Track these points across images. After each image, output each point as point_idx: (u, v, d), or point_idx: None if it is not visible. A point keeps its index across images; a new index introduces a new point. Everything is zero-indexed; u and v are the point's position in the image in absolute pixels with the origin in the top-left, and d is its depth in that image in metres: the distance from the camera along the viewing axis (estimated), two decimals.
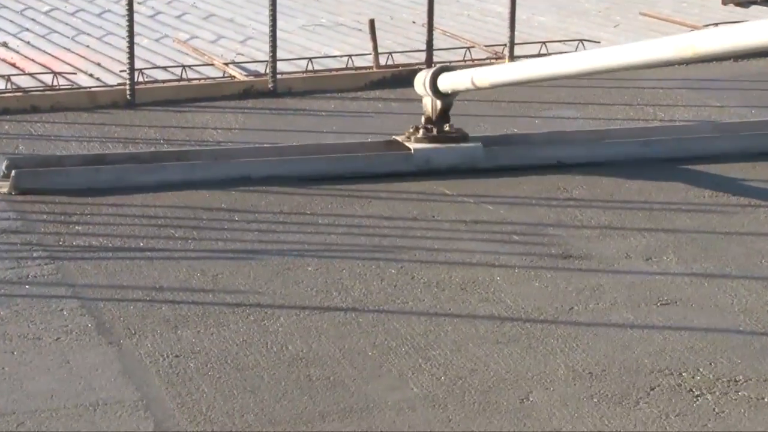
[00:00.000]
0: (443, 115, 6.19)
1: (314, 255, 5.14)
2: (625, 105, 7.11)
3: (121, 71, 7.38)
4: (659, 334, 4.49)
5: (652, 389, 4.09)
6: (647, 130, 6.51)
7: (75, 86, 7.31)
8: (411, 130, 6.20)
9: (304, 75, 7.61)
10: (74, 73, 7.50)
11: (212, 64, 7.74)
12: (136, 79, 7.15)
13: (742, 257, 5.17)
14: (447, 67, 6.20)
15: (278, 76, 7.38)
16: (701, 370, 4.22)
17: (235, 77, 7.53)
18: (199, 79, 7.48)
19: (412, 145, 6.12)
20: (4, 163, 5.90)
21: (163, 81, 7.45)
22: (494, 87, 6.12)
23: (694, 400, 4.03)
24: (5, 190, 5.75)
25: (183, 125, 6.85)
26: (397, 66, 7.74)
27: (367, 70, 7.68)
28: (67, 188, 5.71)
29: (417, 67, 7.65)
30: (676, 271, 5.05)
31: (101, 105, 7.09)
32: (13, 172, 5.76)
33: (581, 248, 5.26)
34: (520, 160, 6.13)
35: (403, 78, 7.48)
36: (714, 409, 3.97)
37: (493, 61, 7.86)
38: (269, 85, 7.36)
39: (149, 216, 5.53)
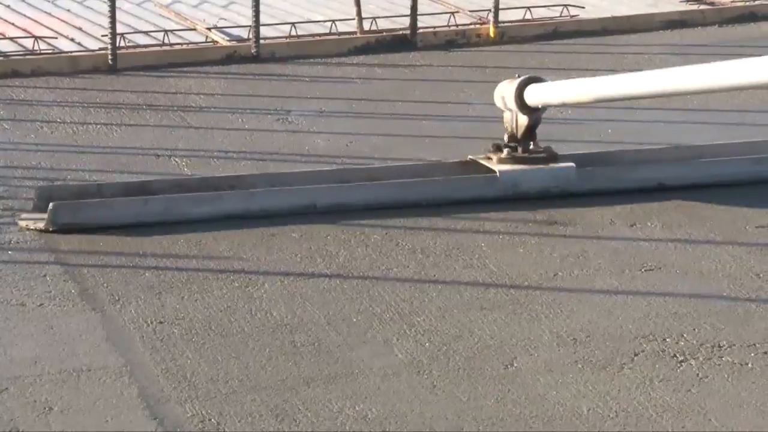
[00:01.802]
0: (529, 133, 5.46)
1: (298, 221, 5.13)
2: (610, 71, 7.09)
3: (102, 36, 7.34)
4: (643, 299, 4.50)
5: (636, 355, 4.09)
6: (754, 146, 5.72)
7: (56, 51, 7.27)
8: (491, 150, 5.50)
9: (288, 40, 7.58)
10: (55, 38, 7.46)
11: (195, 29, 7.70)
12: (117, 44, 7.12)
13: (726, 223, 5.17)
14: (535, 78, 5.43)
15: (261, 41, 7.35)
16: (685, 335, 4.23)
17: (217, 42, 7.50)
18: (182, 44, 7.45)
19: (497, 167, 5.41)
20: (35, 193, 5.17)
21: (145, 46, 7.41)
22: (598, 102, 5.43)
23: (678, 365, 4.04)
24: (41, 225, 4.95)
25: (165, 90, 6.82)
26: (381, 31, 7.71)
27: (351, 36, 7.65)
28: (110, 223, 4.97)
29: (401, 32, 7.64)
30: (660, 237, 5.05)
31: (83, 70, 7.05)
32: (50, 206, 4.97)
33: (566, 214, 5.25)
34: (617, 183, 5.43)
35: (387, 43, 7.46)
36: (698, 375, 3.98)
37: (478, 26, 7.84)
38: (252, 50, 7.33)
39: None
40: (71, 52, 7.25)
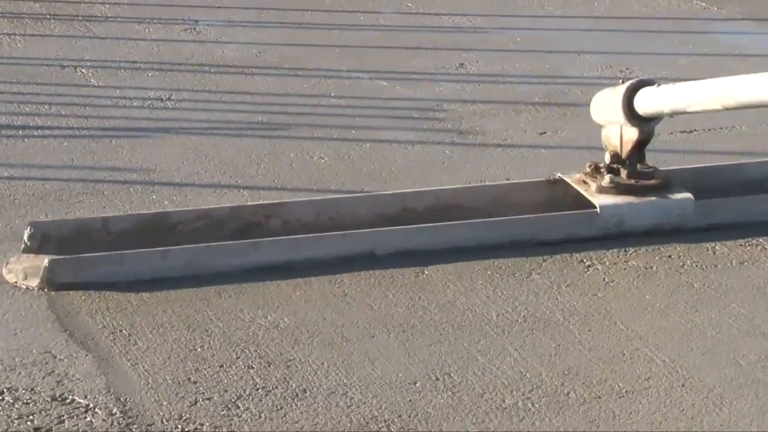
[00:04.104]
0: (638, 150, 4.37)
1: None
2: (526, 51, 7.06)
3: None
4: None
5: (544, 260, 4.15)
6: None
7: None
8: (588, 170, 4.39)
9: None
10: None
11: None
12: None
13: None
14: (647, 81, 4.33)
15: None
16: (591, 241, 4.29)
17: None
18: None
19: (597, 200, 4.32)
20: (27, 231, 4.10)
21: None
22: (739, 108, 4.10)
23: (585, 270, 4.11)
24: (35, 283, 3.94)
25: (69, 0, 6.71)
26: None
27: None
28: (121, 280, 3.97)
29: None
30: (570, 145, 5.09)
31: None
32: (45, 263, 3.94)
33: (475, 123, 5.28)
34: (743, 216, 4.34)
35: None
36: (604, 279, 4.06)
37: None
38: None
39: None
40: None
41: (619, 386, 3.48)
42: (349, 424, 3.32)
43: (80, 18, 6.45)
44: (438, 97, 5.57)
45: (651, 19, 6.60)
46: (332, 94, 5.61)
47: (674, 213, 4.32)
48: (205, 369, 3.55)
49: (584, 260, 4.16)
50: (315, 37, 6.33)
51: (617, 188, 4.33)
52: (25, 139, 5.06)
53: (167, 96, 5.55)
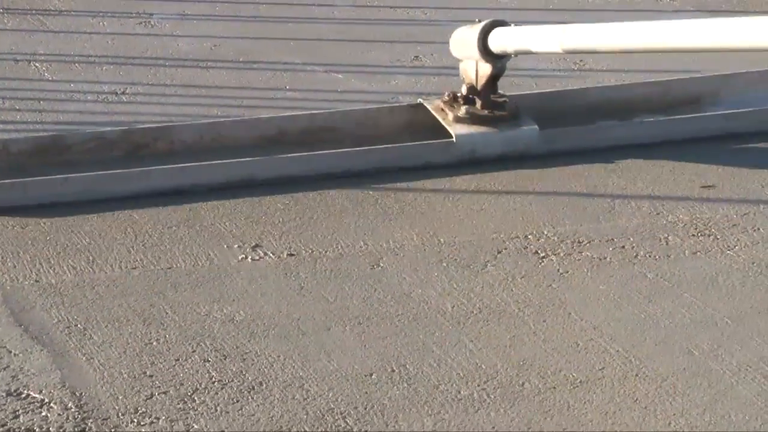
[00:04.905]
0: (492, 83, 4.87)
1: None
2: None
3: None
4: (505, 198, 4.58)
5: (499, 252, 4.18)
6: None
7: None
8: (446, 99, 4.90)
9: None
10: None
11: None
12: None
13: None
14: (500, 22, 4.83)
15: None
16: (545, 232, 4.32)
17: None
18: None
19: (454, 129, 4.82)
20: None
21: None
22: (577, 53, 4.88)
23: (540, 261, 4.14)
24: None
25: None
26: None
27: None
28: (22, 205, 4.39)
29: None
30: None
31: None
32: None
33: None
34: (581, 143, 4.91)
35: None
36: (558, 270, 4.08)
37: None
38: None
39: None
40: None
41: (573, 377, 3.51)
42: (305, 417, 3.33)
43: (34, 12, 6.42)
44: (393, 90, 5.58)
45: (604, 11, 6.63)
46: (287, 87, 5.62)
47: (521, 142, 4.84)
48: (161, 363, 3.55)
49: (539, 251, 4.19)
50: (270, 30, 6.33)
51: (472, 119, 4.82)
52: None
53: (122, 90, 5.54)
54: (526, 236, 4.30)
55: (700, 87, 5.26)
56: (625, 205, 4.52)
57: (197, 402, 3.38)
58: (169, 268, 4.05)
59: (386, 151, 4.76)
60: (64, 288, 3.93)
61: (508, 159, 4.79)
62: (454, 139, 4.78)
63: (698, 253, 4.18)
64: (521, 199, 4.56)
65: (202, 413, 3.33)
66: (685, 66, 5.53)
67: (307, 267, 4.08)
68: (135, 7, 6.58)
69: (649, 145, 4.94)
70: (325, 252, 4.17)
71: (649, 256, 4.16)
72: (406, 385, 3.47)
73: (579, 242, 4.25)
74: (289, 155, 4.72)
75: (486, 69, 4.83)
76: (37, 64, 5.79)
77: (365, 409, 3.36)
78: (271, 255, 4.15)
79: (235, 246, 4.19)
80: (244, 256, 4.14)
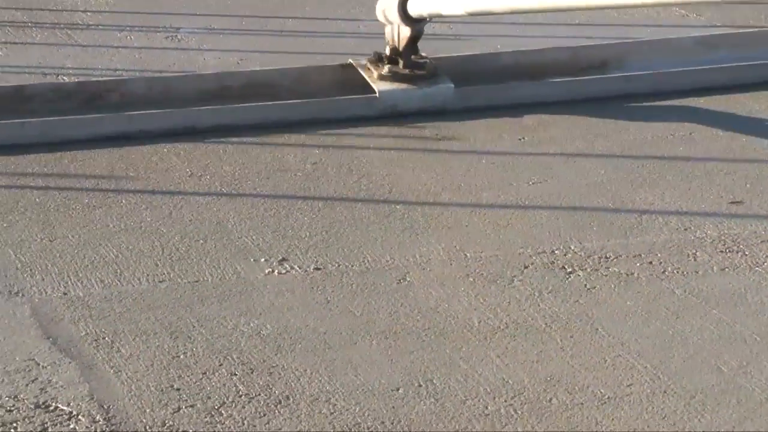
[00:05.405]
0: (412, 45, 5.36)
1: (181, 140, 5.11)
2: None
3: None
4: (531, 213, 4.57)
5: (526, 267, 4.17)
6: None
7: None
8: (372, 58, 5.43)
9: None
10: None
11: None
12: None
13: (612, 135, 5.25)
14: None
15: None
16: (572, 247, 4.31)
17: None
18: None
19: (377, 86, 5.34)
20: None
21: None
22: (485, 14, 5.44)
23: (567, 276, 4.13)
24: None
25: (51, 8, 6.71)
26: None
27: None
28: None
29: None
30: (548, 151, 5.11)
31: None
32: None
33: (454, 129, 5.30)
34: (493, 101, 5.43)
35: None
36: (585, 285, 4.07)
37: None
38: None
39: None
40: None
41: (601, 393, 3.50)
42: (332, 431, 3.32)
43: (62, 26, 6.45)
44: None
45: (630, 27, 6.62)
46: None
47: (438, 98, 5.34)
48: (188, 376, 3.55)
49: (565, 267, 4.18)
50: (295, 45, 6.34)
51: (394, 77, 5.32)
52: None
53: None
54: (552, 251, 4.29)
55: (606, 52, 5.72)
56: (652, 220, 4.51)
57: (224, 416, 3.38)
58: (197, 281, 4.06)
59: (317, 104, 5.27)
60: (92, 301, 3.94)
61: (427, 113, 5.28)
62: (377, 95, 5.29)
63: (727, 269, 4.16)
64: (548, 214, 4.56)
65: (229, 427, 3.34)
66: (593, 34, 6.04)
67: (334, 281, 4.08)
68: (162, 21, 6.60)
69: (556, 103, 5.36)
70: (352, 266, 4.17)
71: (677, 272, 4.14)
72: (433, 400, 3.46)
73: (606, 257, 4.24)
74: (231, 106, 5.22)
75: (406, 32, 5.31)
76: (65, 78, 5.82)
77: (392, 423, 3.36)
78: (297, 269, 4.15)
79: (262, 260, 4.20)
80: (270, 269, 4.14)
